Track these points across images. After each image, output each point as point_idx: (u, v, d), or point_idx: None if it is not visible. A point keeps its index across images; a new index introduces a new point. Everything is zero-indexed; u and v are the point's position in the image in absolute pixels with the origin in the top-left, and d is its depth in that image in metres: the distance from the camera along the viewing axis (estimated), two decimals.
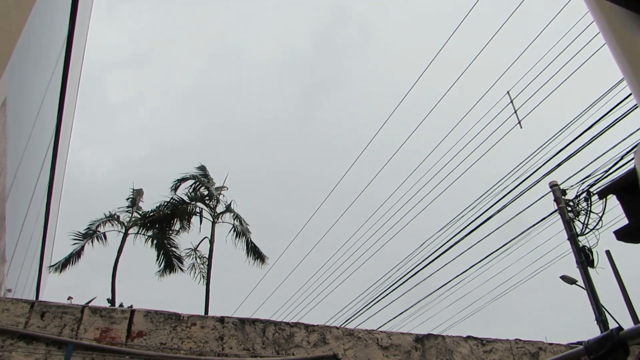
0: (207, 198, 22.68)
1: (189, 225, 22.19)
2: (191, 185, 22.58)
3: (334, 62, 77.86)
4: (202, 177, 22.85)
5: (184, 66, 77.11)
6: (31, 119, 7.05)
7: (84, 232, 21.41)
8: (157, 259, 21.57)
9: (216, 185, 23.14)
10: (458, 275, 13.11)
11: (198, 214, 22.31)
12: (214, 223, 22.26)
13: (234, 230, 22.29)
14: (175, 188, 22.45)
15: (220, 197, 22.98)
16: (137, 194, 22.86)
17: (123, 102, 74.81)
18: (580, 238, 9.96)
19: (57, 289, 21.84)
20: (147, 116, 73.52)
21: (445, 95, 12.57)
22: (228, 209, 22.75)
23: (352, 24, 78.83)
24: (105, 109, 69.13)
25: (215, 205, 22.78)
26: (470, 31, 11.72)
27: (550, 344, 4.28)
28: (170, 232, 21.98)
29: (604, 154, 9.73)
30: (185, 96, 75.32)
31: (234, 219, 22.53)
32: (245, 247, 22.13)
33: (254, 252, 22.03)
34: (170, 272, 21.65)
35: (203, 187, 22.75)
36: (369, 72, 75.39)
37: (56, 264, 20.36)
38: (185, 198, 22.40)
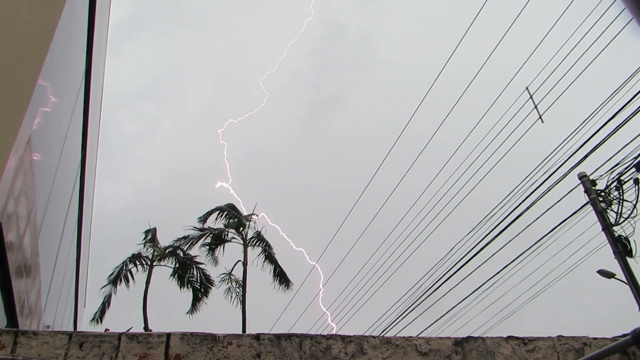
0: (241, 227, 24.12)
1: (223, 252, 23.76)
2: (222, 215, 24.25)
3: (337, 78, 78.16)
4: (232, 209, 24.47)
5: (192, 92, 78.84)
6: (56, 155, 7.20)
7: (110, 278, 23.15)
8: (193, 298, 23.11)
9: (245, 214, 24.74)
10: (490, 278, 12.90)
11: (230, 240, 23.90)
12: (245, 247, 23.59)
13: (264, 255, 23.67)
14: (204, 220, 24.22)
15: (251, 223, 24.42)
16: (154, 232, 24.53)
17: (136, 134, 76.60)
18: (615, 228, 9.72)
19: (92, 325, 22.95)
20: (161, 145, 75.10)
21: (456, 103, 12.54)
22: (258, 236, 24.09)
23: (351, 38, 79.11)
24: (121, 142, 70.77)
25: (247, 233, 24.15)
26: (470, 33, 11.70)
27: (595, 339, 4.15)
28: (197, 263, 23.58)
29: (631, 141, 9.54)
30: (196, 121, 76.70)
31: (263, 245, 23.83)
32: (273, 271, 23.56)
33: (281, 276, 23.41)
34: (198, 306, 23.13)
35: (231, 218, 24.30)
36: (375, 84, 75.43)
37: (94, 316, 22.58)
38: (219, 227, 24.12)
